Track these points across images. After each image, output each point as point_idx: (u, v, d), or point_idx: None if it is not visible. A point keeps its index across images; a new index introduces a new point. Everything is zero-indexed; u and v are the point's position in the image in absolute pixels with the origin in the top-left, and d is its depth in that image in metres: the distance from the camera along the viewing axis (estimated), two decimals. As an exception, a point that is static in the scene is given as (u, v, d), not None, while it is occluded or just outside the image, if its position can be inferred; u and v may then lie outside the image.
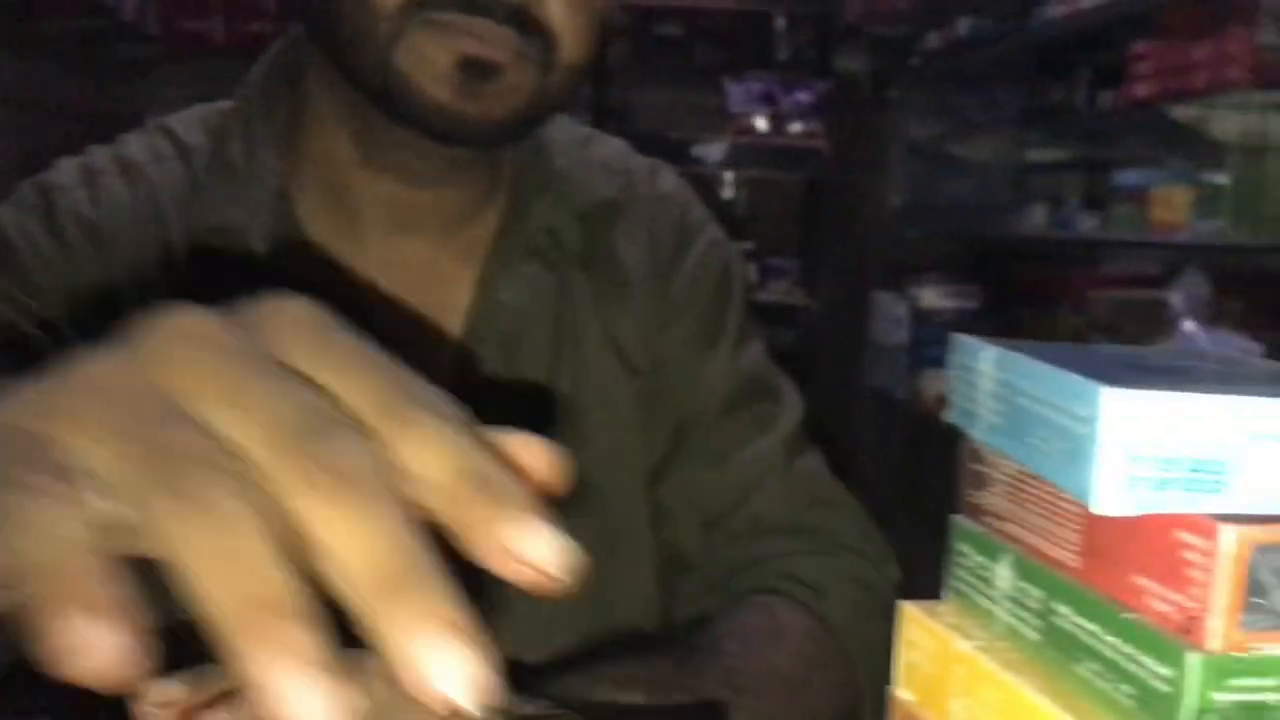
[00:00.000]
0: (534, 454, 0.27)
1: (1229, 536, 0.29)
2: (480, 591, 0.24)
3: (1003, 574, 0.38)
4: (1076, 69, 2.78)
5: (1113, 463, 0.30)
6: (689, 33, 3.67)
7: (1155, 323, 2.24)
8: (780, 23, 3.78)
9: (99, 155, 0.69)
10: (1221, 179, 2.28)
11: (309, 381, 0.25)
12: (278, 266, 0.66)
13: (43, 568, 0.22)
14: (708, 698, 0.56)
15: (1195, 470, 0.30)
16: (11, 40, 2.40)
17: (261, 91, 0.69)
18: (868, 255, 3.64)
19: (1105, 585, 0.33)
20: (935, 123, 3.60)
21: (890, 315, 3.36)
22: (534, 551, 0.24)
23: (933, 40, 3.33)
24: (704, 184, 3.36)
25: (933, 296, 3.26)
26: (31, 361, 0.27)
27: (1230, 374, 0.38)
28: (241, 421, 0.24)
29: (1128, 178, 2.60)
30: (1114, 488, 0.30)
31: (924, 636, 0.40)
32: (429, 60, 0.59)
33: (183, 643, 0.25)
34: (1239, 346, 1.84)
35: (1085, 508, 0.34)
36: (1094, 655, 0.33)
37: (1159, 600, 0.31)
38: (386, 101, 0.61)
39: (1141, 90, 2.42)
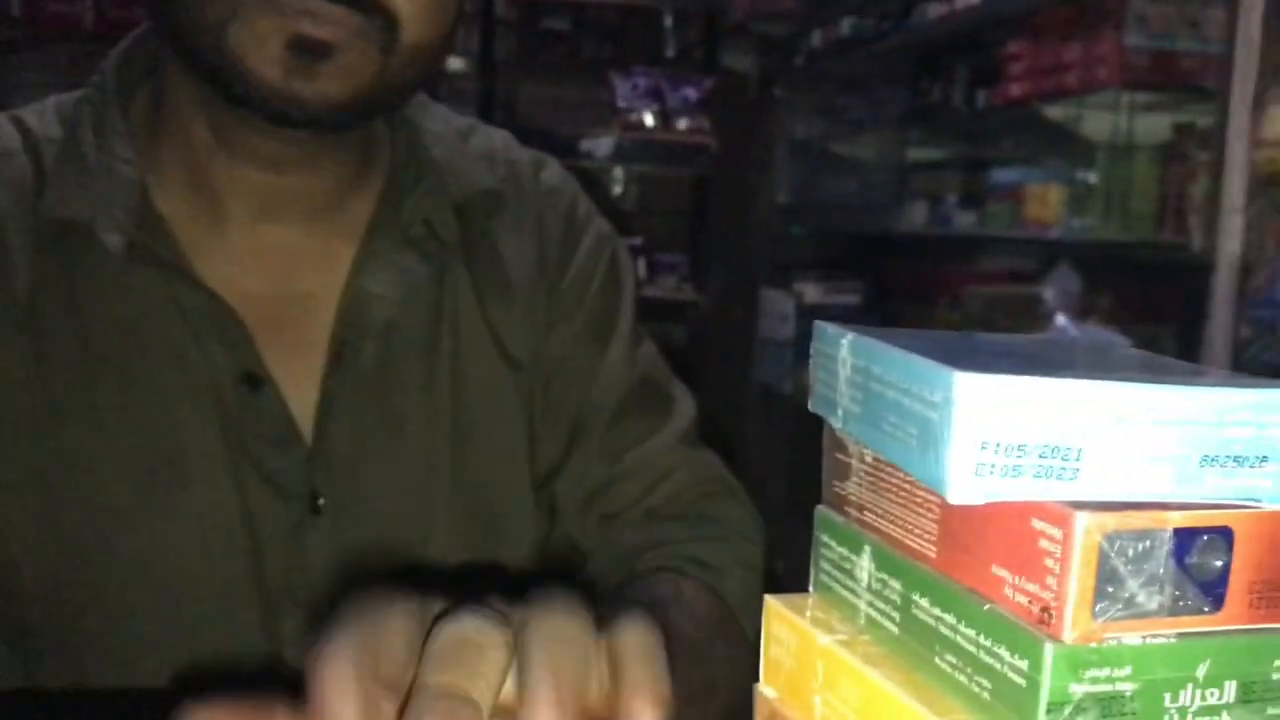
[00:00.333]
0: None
1: (1082, 524, 0.28)
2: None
3: (864, 565, 0.37)
4: (955, 69, 2.83)
5: (965, 449, 0.29)
6: (576, 27, 3.65)
7: (1030, 317, 2.29)
8: (668, 19, 3.78)
9: None
10: (1092, 177, 2.34)
11: None
12: (130, 258, 0.64)
13: None
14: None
15: (1049, 457, 0.29)
16: None
17: (117, 80, 0.67)
18: (755, 252, 3.67)
19: (963, 576, 0.33)
20: (819, 122, 3.64)
21: (777, 311, 3.39)
22: None
23: (816, 39, 3.36)
24: (592, 179, 3.34)
25: (817, 292, 3.30)
26: None
27: (1096, 361, 0.37)
28: None
29: (1003, 176, 2.65)
30: (966, 475, 0.29)
31: (786, 631, 0.39)
32: (260, 40, 0.57)
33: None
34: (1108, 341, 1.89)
35: (941, 497, 0.33)
36: (952, 648, 0.33)
37: (1016, 591, 0.30)
38: (222, 84, 0.60)
39: (1016, 90, 2.47)
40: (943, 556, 0.33)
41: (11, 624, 0.65)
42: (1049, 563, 0.29)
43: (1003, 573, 0.31)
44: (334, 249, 0.69)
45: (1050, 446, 0.29)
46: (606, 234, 0.78)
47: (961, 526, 0.33)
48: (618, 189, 3.88)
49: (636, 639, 0.36)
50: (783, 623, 0.39)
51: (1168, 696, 0.30)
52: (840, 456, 0.39)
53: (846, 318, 0.38)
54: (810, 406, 0.39)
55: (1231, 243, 1.74)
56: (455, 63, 3.47)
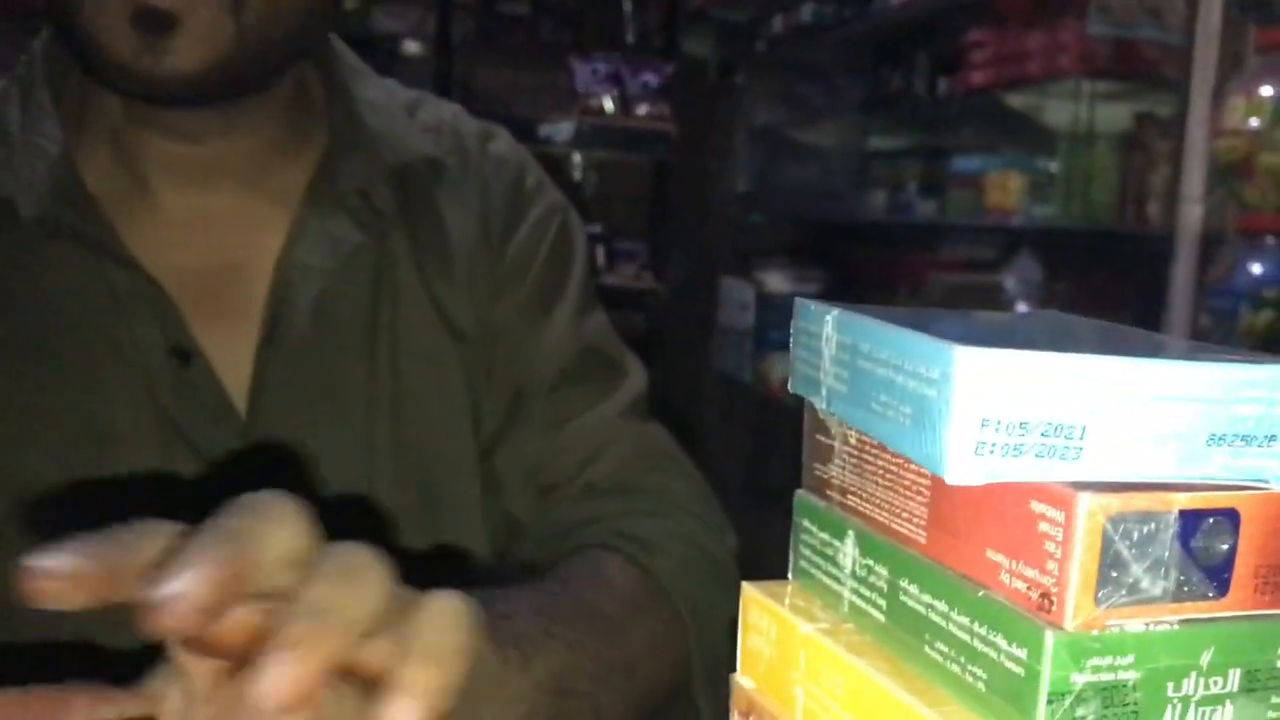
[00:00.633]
0: None
1: (1085, 505, 0.27)
2: None
3: (847, 551, 0.36)
4: (916, 57, 2.83)
5: (965, 427, 0.28)
6: (535, 10, 3.61)
7: (990, 305, 2.30)
8: (628, 4, 3.75)
9: None
10: (1053, 165, 2.35)
11: None
12: (54, 235, 0.63)
13: None
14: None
15: (1051, 435, 0.28)
16: None
17: (45, 58, 0.67)
18: (715, 240, 3.66)
19: (955, 561, 0.31)
20: (779, 109, 3.63)
21: (736, 299, 3.38)
22: None
23: (777, 25, 3.35)
24: (553, 165, 3.31)
25: (777, 280, 3.29)
26: None
27: (1065, 335, 0.36)
28: None
29: (964, 164, 2.65)
30: (965, 455, 0.28)
31: (765, 620, 0.38)
32: (106, 15, 0.57)
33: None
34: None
35: (932, 478, 0.32)
36: (944, 636, 0.31)
37: (1013, 576, 0.29)
38: (91, 68, 0.60)
39: (978, 78, 2.47)
40: (933, 541, 0.32)
41: None
42: (1049, 546, 0.28)
43: (999, 557, 0.29)
44: (269, 218, 0.68)
45: (1053, 424, 0.28)
46: (557, 204, 0.76)
47: (953, 510, 0.31)
48: (577, 175, 3.86)
49: (442, 614, 0.35)
50: (761, 611, 0.38)
51: (1170, 685, 0.28)
52: (822, 438, 0.38)
53: (805, 307, 0.36)
54: (790, 387, 0.38)
55: (1191, 232, 1.74)
56: (412, 45, 3.43)
